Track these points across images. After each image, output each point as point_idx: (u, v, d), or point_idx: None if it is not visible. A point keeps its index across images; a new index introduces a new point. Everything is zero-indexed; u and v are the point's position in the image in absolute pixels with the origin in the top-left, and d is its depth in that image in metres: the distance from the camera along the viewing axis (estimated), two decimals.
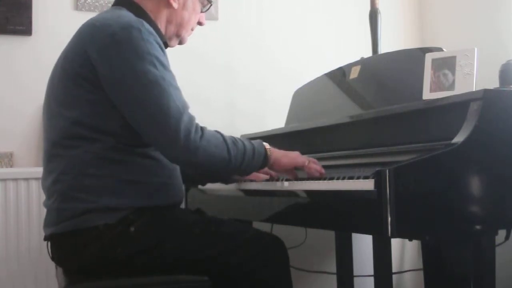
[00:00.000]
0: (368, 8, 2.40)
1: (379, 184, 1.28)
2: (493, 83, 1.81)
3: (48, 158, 1.56)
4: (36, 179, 2.23)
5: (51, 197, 1.53)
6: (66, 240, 1.51)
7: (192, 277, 1.53)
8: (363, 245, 2.64)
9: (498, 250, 1.55)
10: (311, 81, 2.38)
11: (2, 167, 2.30)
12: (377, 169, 1.29)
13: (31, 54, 2.39)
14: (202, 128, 1.50)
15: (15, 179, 2.24)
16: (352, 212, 1.42)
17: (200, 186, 2.12)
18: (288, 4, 2.84)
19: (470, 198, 1.37)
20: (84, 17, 1.63)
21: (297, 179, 1.65)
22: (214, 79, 2.69)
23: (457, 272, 1.38)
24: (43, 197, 1.61)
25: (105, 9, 1.97)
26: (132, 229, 1.49)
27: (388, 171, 1.26)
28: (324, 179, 1.56)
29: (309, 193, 1.58)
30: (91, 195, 1.48)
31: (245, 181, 1.84)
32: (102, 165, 1.49)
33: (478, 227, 1.37)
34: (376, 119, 1.77)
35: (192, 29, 1.76)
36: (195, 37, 1.95)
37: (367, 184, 1.32)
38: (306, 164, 1.63)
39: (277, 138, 2.14)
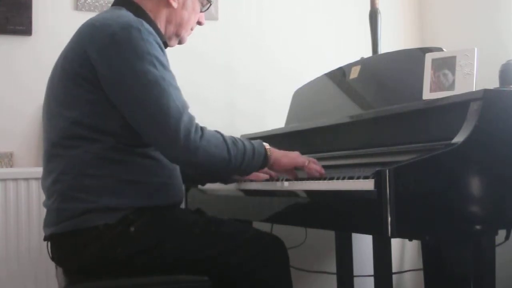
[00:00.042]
0: (368, 8, 2.40)
1: (379, 184, 1.28)
2: (493, 83, 1.81)
3: (48, 158, 1.56)
4: (36, 179, 2.23)
5: (51, 197, 1.53)
6: (66, 240, 1.51)
7: (192, 277, 1.53)
8: (363, 245, 2.64)
9: (498, 250, 1.55)
10: (311, 81, 2.38)
11: (2, 167, 2.30)
12: (377, 169, 1.29)
13: (31, 54, 2.39)
14: (202, 128, 1.50)
15: (15, 179, 2.24)
16: (352, 212, 1.42)
17: (200, 186, 2.12)
18: (288, 4, 2.84)
19: (470, 198, 1.37)
20: (84, 17, 1.63)
21: (297, 179, 1.65)
22: (214, 79, 2.69)
23: (457, 272, 1.38)
24: (43, 197, 1.61)
25: (105, 9, 1.96)
26: (132, 229, 1.49)
27: (388, 171, 1.26)
28: (324, 179, 1.56)
29: (309, 193, 1.58)
30: (91, 195, 1.48)
31: (245, 181, 1.84)
32: (102, 165, 1.49)
33: (478, 227, 1.37)
34: (376, 119, 1.77)
35: (191, 29, 1.76)
36: (195, 37, 1.95)
37: (367, 184, 1.32)
38: (306, 164, 1.63)
39: (277, 138, 2.14)
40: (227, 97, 2.71)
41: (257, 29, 2.78)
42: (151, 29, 1.51)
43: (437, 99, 1.59)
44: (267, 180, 1.79)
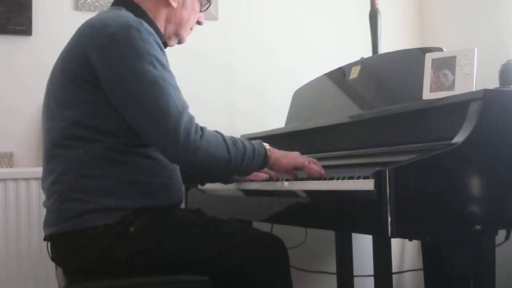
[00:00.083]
0: (368, 8, 2.40)
1: (379, 184, 1.28)
2: (493, 83, 1.81)
3: (48, 158, 1.56)
4: (36, 179, 2.23)
5: (51, 197, 1.53)
6: (66, 241, 1.51)
7: (192, 277, 1.53)
8: (363, 245, 2.64)
9: (498, 250, 1.55)
10: (311, 81, 2.38)
11: (2, 167, 2.30)
12: (377, 169, 1.29)
13: (31, 54, 2.39)
14: (202, 128, 1.50)
15: (15, 179, 2.24)
16: (352, 212, 1.42)
17: (200, 186, 2.12)
18: (288, 4, 2.84)
19: (470, 198, 1.37)
20: (84, 17, 1.63)
21: (297, 179, 1.65)
22: (214, 79, 2.69)
23: (457, 272, 1.38)
24: (43, 197, 1.61)
25: (105, 9, 1.97)
26: (132, 229, 1.49)
27: (388, 171, 1.26)
28: (324, 179, 1.56)
29: (309, 193, 1.58)
30: (91, 196, 1.48)
31: (244, 181, 1.84)
32: (101, 166, 1.49)
33: (478, 227, 1.37)
34: (376, 119, 1.77)
35: (191, 29, 1.76)
36: (195, 37, 1.95)
37: (367, 184, 1.32)
38: (306, 164, 1.63)
39: (277, 138, 2.15)
40: (227, 97, 2.71)
41: (257, 29, 2.78)
42: (150, 29, 1.51)
43: (437, 99, 1.59)
44: (267, 180, 1.79)
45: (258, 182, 1.79)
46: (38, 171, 1.68)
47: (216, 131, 1.55)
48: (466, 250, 1.40)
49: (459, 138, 1.37)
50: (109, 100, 1.48)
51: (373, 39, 2.37)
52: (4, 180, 2.23)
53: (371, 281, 2.43)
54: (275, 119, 2.59)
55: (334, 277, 2.57)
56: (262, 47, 2.78)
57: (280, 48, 2.80)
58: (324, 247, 2.72)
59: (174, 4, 1.67)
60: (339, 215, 1.49)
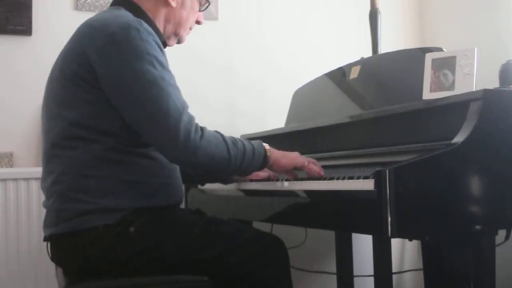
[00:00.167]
0: (368, 8, 2.40)
1: (379, 184, 1.28)
2: (493, 83, 1.81)
3: (47, 158, 1.56)
4: (36, 179, 2.23)
5: (51, 197, 1.53)
6: (65, 241, 1.51)
7: (192, 277, 1.53)
8: (363, 245, 2.64)
9: (498, 250, 1.55)
10: (311, 81, 2.38)
11: (2, 167, 2.30)
12: (377, 169, 1.29)
13: (31, 54, 2.39)
14: (202, 128, 1.50)
15: (15, 179, 2.24)
16: (352, 212, 1.42)
17: (200, 186, 2.12)
18: (288, 4, 2.84)
19: (470, 198, 1.37)
20: (84, 17, 1.63)
21: (297, 179, 1.65)
22: (214, 79, 2.69)
23: (457, 272, 1.38)
24: (43, 197, 1.61)
25: (105, 9, 1.96)
26: (131, 229, 1.49)
27: (388, 171, 1.26)
28: (324, 179, 1.56)
29: (309, 193, 1.58)
30: (90, 196, 1.48)
31: (244, 181, 1.84)
32: (101, 166, 1.49)
33: (478, 227, 1.37)
34: (376, 119, 1.77)
35: (190, 28, 1.76)
36: (195, 37, 1.95)
37: (367, 184, 1.32)
38: (306, 164, 1.63)
39: (277, 138, 2.15)
40: (227, 97, 2.71)
41: (257, 29, 2.78)
42: (150, 29, 1.51)
43: (437, 99, 1.59)
44: (267, 180, 1.79)
45: (258, 182, 1.79)
46: (38, 171, 1.68)
47: (216, 131, 1.55)
48: (466, 250, 1.40)
49: (459, 138, 1.37)
50: (109, 100, 1.48)
51: (373, 39, 2.37)
52: (4, 180, 2.23)
53: (371, 281, 2.43)
54: (275, 119, 2.59)
55: (334, 277, 2.57)
56: (262, 47, 2.78)
57: (280, 48, 2.80)
58: (324, 247, 2.72)
59: (173, 4, 1.67)
60: (339, 215, 1.49)
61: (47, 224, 1.56)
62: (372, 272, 2.42)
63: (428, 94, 1.71)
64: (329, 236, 2.55)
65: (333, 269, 2.58)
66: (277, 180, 1.73)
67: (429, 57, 1.74)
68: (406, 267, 2.88)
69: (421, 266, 1.51)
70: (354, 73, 2.12)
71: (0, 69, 2.35)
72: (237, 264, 1.54)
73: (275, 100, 2.72)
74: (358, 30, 2.81)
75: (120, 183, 1.50)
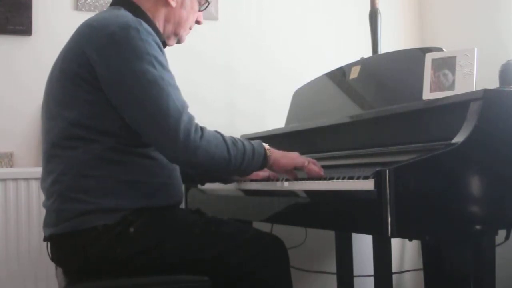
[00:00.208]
0: (368, 8, 2.40)
1: (379, 184, 1.28)
2: (493, 83, 1.81)
3: (47, 158, 1.56)
4: (36, 179, 2.23)
5: (51, 197, 1.53)
6: (65, 241, 1.51)
7: (192, 277, 1.53)
8: (363, 245, 2.64)
9: (498, 250, 1.55)
10: (311, 81, 2.38)
11: (2, 167, 2.30)
12: (377, 169, 1.29)
13: (31, 54, 2.39)
14: (202, 128, 1.50)
15: (15, 179, 2.24)
16: (352, 212, 1.42)
17: (200, 186, 2.12)
18: (288, 4, 2.84)
19: (470, 198, 1.37)
20: (84, 17, 1.63)
21: (297, 179, 1.65)
22: (214, 79, 2.69)
23: (457, 272, 1.38)
24: (43, 197, 1.61)
25: (104, 9, 1.96)
26: (131, 229, 1.49)
27: (388, 171, 1.26)
28: (324, 179, 1.56)
29: (309, 193, 1.58)
30: (90, 196, 1.48)
31: (244, 181, 1.84)
32: (101, 166, 1.49)
33: (478, 227, 1.37)
34: (376, 119, 1.77)
35: (190, 28, 1.76)
36: (195, 37, 1.95)
37: (367, 184, 1.32)
38: (306, 164, 1.63)
39: (277, 138, 2.14)
40: (227, 97, 2.71)
41: (257, 29, 2.78)
42: (149, 29, 1.51)
43: (437, 99, 1.59)
44: (267, 180, 1.79)
45: (258, 182, 1.79)
46: (38, 171, 1.68)
47: (216, 131, 1.55)
48: (466, 250, 1.40)
49: (459, 138, 1.37)
50: (109, 100, 1.48)
51: (373, 39, 2.37)
52: (4, 180, 2.23)
53: (371, 281, 2.43)
54: (275, 119, 2.59)
55: (334, 277, 2.56)
56: (262, 47, 2.78)
57: (280, 48, 2.80)
58: (324, 247, 2.72)
59: (173, 4, 1.67)
60: (339, 215, 1.49)
61: (47, 224, 1.56)
62: (372, 272, 2.42)
63: (428, 94, 1.71)
64: (329, 236, 2.55)
65: (333, 269, 2.58)
66: (277, 180, 1.73)
67: (429, 57, 1.74)
68: (406, 267, 2.88)
69: (421, 266, 1.51)
70: (354, 73, 2.12)
71: (0, 69, 2.35)
72: (237, 264, 1.54)
73: (275, 100, 2.72)
74: (358, 30, 2.81)
75: (120, 183, 1.50)
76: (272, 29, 2.80)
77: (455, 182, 1.34)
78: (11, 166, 2.32)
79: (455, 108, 1.48)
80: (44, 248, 1.68)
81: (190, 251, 1.54)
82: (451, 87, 1.67)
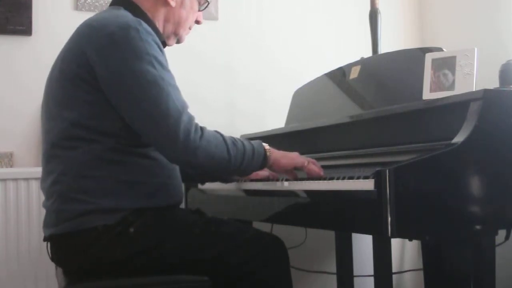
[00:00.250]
0: (368, 8, 2.40)
1: (379, 184, 1.28)
2: (493, 83, 1.81)
3: (47, 159, 1.56)
4: (36, 179, 2.23)
5: (50, 198, 1.53)
6: (65, 241, 1.51)
7: (192, 277, 1.53)
8: (363, 245, 2.64)
9: (498, 250, 1.55)
10: (311, 81, 2.38)
11: (2, 167, 2.30)
12: (377, 169, 1.29)
13: (31, 54, 2.39)
14: (201, 128, 1.50)
15: (15, 179, 2.24)
16: (352, 212, 1.42)
17: (200, 186, 2.12)
18: (288, 4, 2.84)
19: (470, 198, 1.37)
20: (84, 17, 1.63)
21: (297, 179, 1.65)
22: (214, 79, 2.69)
23: (457, 272, 1.38)
24: (43, 197, 1.61)
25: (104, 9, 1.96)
26: (131, 230, 1.49)
27: (388, 171, 1.26)
28: (324, 179, 1.56)
29: (309, 193, 1.58)
30: (90, 196, 1.48)
31: (244, 180, 1.84)
32: (100, 166, 1.49)
33: (478, 227, 1.37)
34: (376, 119, 1.77)
35: (190, 28, 1.76)
36: (195, 37, 1.95)
37: (367, 184, 1.32)
38: (305, 164, 1.63)
39: (277, 138, 2.14)
40: (227, 97, 2.71)
41: (257, 29, 2.78)
42: (149, 29, 1.51)
43: (437, 99, 1.59)
44: (267, 180, 1.79)
45: (258, 182, 1.79)
46: (38, 171, 1.68)
47: (216, 131, 1.55)
48: (466, 250, 1.40)
49: (459, 138, 1.37)
50: (109, 101, 1.48)
51: (373, 39, 2.37)
52: (4, 180, 2.23)
53: (371, 281, 2.43)
54: (275, 119, 2.59)
55: (334, 277, 2.56)
56: (262, 47, 2.78)
57: (280, 48, 2.80)
58: (324, 247, 2.72)
59: (173, 4, 1.66)
60: (339, 215, 1.49)
61: (47, 224, 1.56)
62: (372, 272, 2.42)
63: (428, 94, 1.71)
64: (329, 236, 2.55)
65: (333, 269, 2.58)
66: (277, 180, 1.73)
67: (429, 57, 1.74)
68: (406, 267, 2.88)
69: (421, 266, 1.51)
70: (354, 73, 2.12)
71: (0, 69, 2.35)
72: (237, 264, 1.54)
73: (275, 100, 2.72)
74: (358, 30, 2.81)
75: (120, 183, 1.50)
76: (272, 29, 2.80)
77: (455, 182, 1.34)
78: (11, 166, 2.32)
79: (455, 108, 1.48)
80: (44, 248, 1.68)
81: (190, 251, 1.54)
82: (451, 87, 1.67)
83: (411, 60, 1.91)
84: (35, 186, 2.24)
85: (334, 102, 2.18)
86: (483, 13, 2.62)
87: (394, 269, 2.47)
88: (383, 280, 2.38)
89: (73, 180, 1.49)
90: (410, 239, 1.66)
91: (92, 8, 2.46)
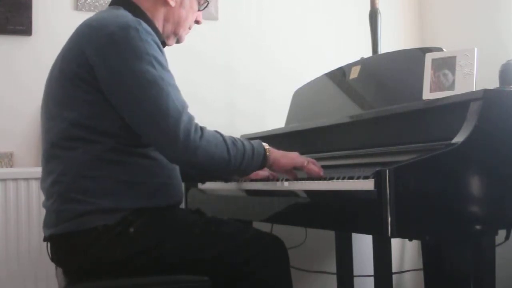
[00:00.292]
0: (368, 8, 2.40)
1: (379, 184, 1.28)
2: (493, 83, 1.81)
3: (47, 159, 1.56)
4: (36, 179, 2.23)
5: (50, 198, 1.53)
6: (65, 241, 1.51)
7: (192, 277, 1.53)
8: (363, 245, 2.64)
9: (498, 250, 1.54)
10: (311, 81, 2.38)
11: (2, 167, 2.30)
12: (377, 169, 1.29)
13: (31, 54, 2.39)
14: (201, 128, 1.50)
15: (15, 179, 2.24)
16: (352, 212, 1.42)
17: (200, 186, 2.12)
18: (288, 4, 2.84)
19: (470, 198, 1.37)
20: (84, 17, 1.63)
21: (297, 179, 1.65)
22: (214, 79, 2.69)
23: (457, 272, 1.38)
24: (43, 197, 1.61)
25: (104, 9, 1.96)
26: (131, 230, 1.49)
27: (388, 171, 1.26)
28: (324, 179, 1.56)
29: (309, 193, 1.58)
30: (90, 197, 1.48)
31: (245, 180, 1.84)
32: (100, 167, 1.49)
33: (478, 227, 1.37)
34: (376, 119, 1.77)
35: (189, 28, 1.76)
36: (195, 37, 1.95)
37: (367, 184, 1.32)
38: (305, 164, 1.63)
39: (277, 138, 2.14)
40: (227, 97, 2.71)
41: (257, 29, 2.78)
42: (149, 28, 1.51)
43: (437, 99, 1.59)
44: (267, 180, 1.79)
45: (258, 182, 1.79)
46: (38, 171, 1.68)
47: (216, 131, 1.55)
48: (466, 250, 1.40)
49: (459, 138, 1.37)
50: (108, 101, 1.48)
51: (373, 39, 2.37)
52: (4, 180, 2.23)
53: (371, 281, 2.43)
54: (275, 119, 2.59)
55: (334, 277, 2.56)
56: (262, 47, 2.78)
57: (280, 48, 2.80)
58: (324, 247, 2.72)
59: (172, 3, 1.66)
60: (339, 215, 1.49)
61: (47, 224, 1.56)
62: (372, 272, 2.42)
63: (428, 94, 1.71)
64: (329, 236, 2.55)
65: (333, 269, 2.58)
66: (277, 180, 1.73)
67: (429, 57, 1.74)
68: (406, 267, 2.88)
69: (421, 266, 1.51)
70: (354, 73, 2.12)
71: (0, 69, 2.35)
72: (237, 264, 1.54)
73: (275, 100, 2.72)
74: (358, 30, 2.81)
75: (120, 183, 1.50)
76: (272, 29, 2.80)
77: (455, 182, 1.34)
78: (11, 166, 2.32)
79: (455, 108, 1.48)
80: (44, 248, 1.68)
81: (190, 251, 1.54)
82: (451, 87, 1.67)
83: (411, 60, 1.91)
84: (35, 186, 2.24)
85: (334, 102, 2.18)
86: (483, 13, 2.62)
87: (394, 269, 2.47)
88: (383, 280, 2.38)
89: (73, 180, 1.49)
90: (410, 239, 1.66)
91: (92, 8, 2.46)
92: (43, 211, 1.59)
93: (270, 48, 2.79)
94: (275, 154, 1.63)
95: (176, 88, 1.50)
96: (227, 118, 2.68)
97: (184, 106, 1.48)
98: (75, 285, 1.48)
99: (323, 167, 1.66)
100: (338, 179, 1.49)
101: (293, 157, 1.65)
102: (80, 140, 1.49)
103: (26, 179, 2.25)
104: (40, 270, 2.23)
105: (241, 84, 2.73)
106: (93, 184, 1.48)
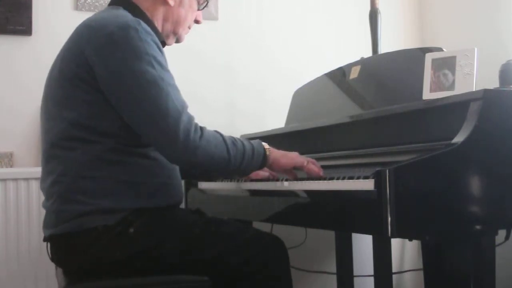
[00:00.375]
0: (368, 8, 2.40)
1: (379, 184, 1.28)
2: (493, 83, 1.81)
3: (47, 159, 1.56)
4: (36, 179, 2.23)
5: (50, 198, 1.53)
6: (65, 242, 1.51)
7: (192, 277, 1.53)
8: (363, 245, 2.64)
9: (498, 250, 1.54)
10: (311, 81, 2.38)
11: (2, 167, 2.30)
12: (377, 169, 1.29)
13: (31, 54, 2.39)
14: (201, 128, 1.50)
15: (15, 179, 2.24)
16: (352, 212, 1.42)
17: (200, 186, 2.12)
18: (288, 4, 2.84)
19: (470, 198, 1.37)
20: (84, 17, 1.63)
21: (297, 179, 1.65)
22: (214, 79, 2.69)
23: (457, 272, 1.38)
24: (43, 197, 1.61)
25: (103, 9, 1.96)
26: (131, 230, 1.49)
27: (388, 171, 1.26)
28: (324, 179, 1.56)
29: (309, 193, 1.58)
30: (90, 197, 1.48)
31: (245, 180, 1.84)
32: (100, 167, 1.49)
33: (478, 227, 1.37)
34: (376, 119, 1.77)
35: (189, 27, 1.76)
36: (195, 37, 1.95)
37: (367, 184, 1.32)
38: (305, 164, 1.63)
39: (277, 138, 2.14)
40: (227, 97, 2.71)
41: (257, 29, 2.78)
42: (148, 28, 1.51)
43: (437, 99, 1.59)
44: (267, 180, 1.79)
45: (258, 182, 1.79)
46: (38, 171, 1.68)
47: (216, 131, 1.55)
48: (466, 250, 1.40)
49: (459, 138, 1.37)
50: (108, 101, 1.48)
51: (373, 39, 2.37)
52: (4, 180, 2.23)
53: (371, 281, 2.43)
54: (275, 119, 2.59)
55: (334, 277, 2.56)
56: (262, 47, 2.78)
57: (280, 48, 2.80)
58: (324, 247, 2.72)
59: (172, 3, 1.66)
60: (339, 215, 1.49)
61: (46, 224, 1.56)
62: (372, 272, 2.42)
63: (428, 94, 1.71)
64: (329, 236, 2.55)
65: (333, 269, 2.58)
66: (277, 180, 1.73)
67: (429, 57, 1.74)
68: (406, 267, 2.88)
69: (421, 266, 1.51)
70: (354, 73, 2.12)
71: (0, 69, 2.35)
72: (237, 264, 1.54)
73: (275, 100, 2.72)
74: (358, 30, 2.81)
75: (120, 183, 1.50)
76: (272, 29, 2.80)
77: (455, 182, 1.34)
78: (11, 166, 2.32)
79: (455, 108, 1.48)
80: (44, 248, 1.68)
81: (190, 251, 1.54)
82: (451, 87, 1.67)
83: (411, 60, 1.91)
84: (35, 186, 2.24)
85: (334, 102, 2.18)
86: (483, 13, 2.62)
87: (394, 269, 2.47)
88: (383, 280, 2.38)
89: (73, 180, 1.49)
90: (410, 239, 1.66)
91: (92, 8, 2.46)
92: (43, 211, 1.59)
93: (270, 48, 2.79)
94: (275, 154, 1.63)
95: (175, 88, 1.50)
96: (227, 118, 2.68)
97: (183, 106, 1.48)
98: (75, 285, 1.48)
99: (323, 167, 1.66)
100: (338, 179, 1.49)
101: (293, 157, 1.65)
102: (79, 140, 1.49)
103: (26, 179, 2.25)
104: (40, 270, 2.23)
105: (241, 84, 2.73)
106: (93, 184, 1.48)
